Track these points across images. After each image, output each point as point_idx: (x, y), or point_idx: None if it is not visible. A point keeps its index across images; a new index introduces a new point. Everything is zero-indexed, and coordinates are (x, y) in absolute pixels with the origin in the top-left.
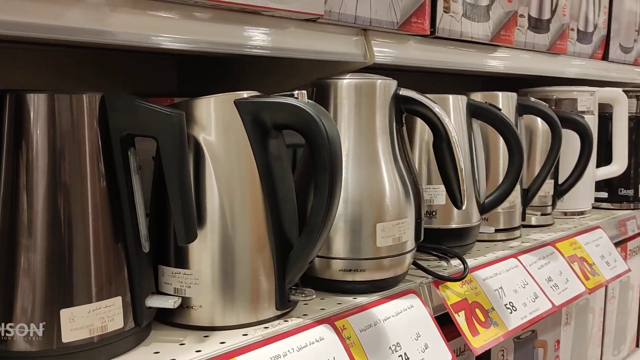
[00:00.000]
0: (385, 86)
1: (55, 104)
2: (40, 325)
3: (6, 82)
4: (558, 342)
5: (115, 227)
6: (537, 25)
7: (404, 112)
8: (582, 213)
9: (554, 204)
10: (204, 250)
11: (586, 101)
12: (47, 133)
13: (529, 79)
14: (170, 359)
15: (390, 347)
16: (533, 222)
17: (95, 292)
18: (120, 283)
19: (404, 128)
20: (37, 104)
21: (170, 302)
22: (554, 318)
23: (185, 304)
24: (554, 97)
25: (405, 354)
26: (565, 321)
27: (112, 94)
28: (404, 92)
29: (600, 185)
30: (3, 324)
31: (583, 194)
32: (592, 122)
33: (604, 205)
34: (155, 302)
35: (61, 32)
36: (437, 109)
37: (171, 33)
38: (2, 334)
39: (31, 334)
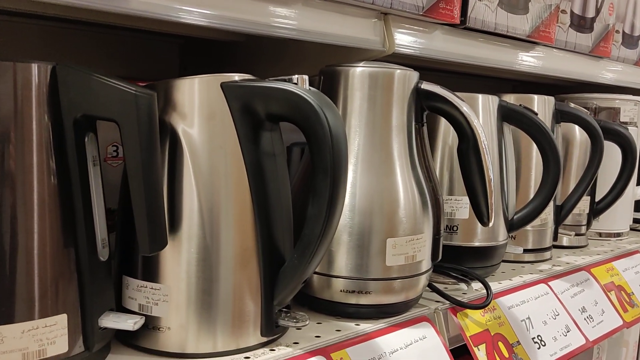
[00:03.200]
0: (405, 77)
1: None
2: None
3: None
4: None
5: (64, 229)
6: (580, 23)
7: (426, 109)
8: (619, 235)
9: (589, 224)
10: (176, 262)
11: (630, 111)
12: None
13: (565, 85)
14: None
15: None
16: (565, 243)
17: (34, 308)
18: (68, 298)
19: (425, 128)
20: None
21: (129, 324)
22: (585, 354)
23: (152, 324)
24: (594, 104)
25: None
26: (597, 356)
27: (65, 65)
28: (426, 86)
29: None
30: None
31: (621, 214)
32: (635, 134)
33: None
34: (110, 322)
35: None
36: (464, 107)
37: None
38: None
39: None
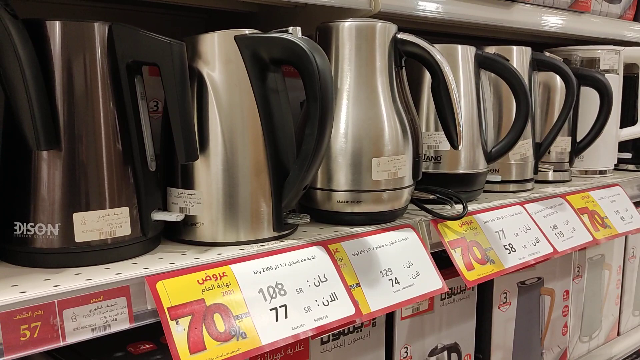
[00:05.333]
0: (385, 29)
1: (69, 30)
2: (56, 225)
3: None
4: (567, 292)
5: (123, 145)
6: None
7: (403, 55)
8: (603, 172)
9: (571, 161)
10: (206, 173)
11: (609, 60)
12: (62, 56)
13: (555, 44)
14: (170, 263)
15: (381, 271)
16: (550, 178)
17: (105, 201)
18: (128, 195)
19: (404, 71)
20: (53, 30)
21: (173, 216)
22: (562, 268)
23: (190, 222)
24: (578, 56)
25: (395, 278)
26: (577, 273)
27: (118, 24)
28: (402, 35)
29: (626, 146)
30: (25, 224)
31: (605, 154)
32: (616, 81)
33: (630, 167)
34: (160, 215)
35: None
36: (433, 50)
37: None
38: (24, 232)
39: (48, 233)
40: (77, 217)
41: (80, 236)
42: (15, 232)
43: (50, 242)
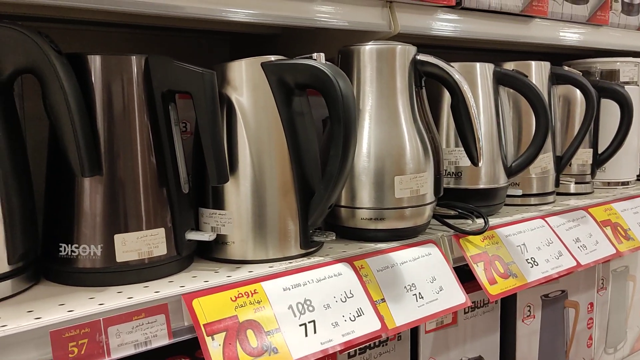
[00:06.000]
0: (405, 51)
1: (108, 63)
2: (99, 246)
3: None
4: (591, 304)
5: (159, 169)
6: None
7: (423, 75)
8: (625, 184)
9: (593, 173)
10: (236, 194)
11: (629, 72)
12: (102, 88)
13: (575, 55)
14: (204, 281)
15: (405, 287)
16: (571, 190)
17: (142, 222)
18: (164, 217)
19: (424, 91)
20: (94, 64)
21: (206, 236)
22: (586, 281)
23: (221, 240)
24: (597, 68)
25: (419, 293)
26: (601, 285)
27: (154, 56)
28: (421, 56)
29: None
30: (69, 245)
31: (626, 165)
32: (636, 93)
33: None
34: (193, 235)
35: (137, 5)
36: (451, 70)
37: (233, 7)
38: (69, 253)
39: (91, 254)
40: (118, 238)
41: (120, 256)
42: (60, 253)
43: (93, 262)
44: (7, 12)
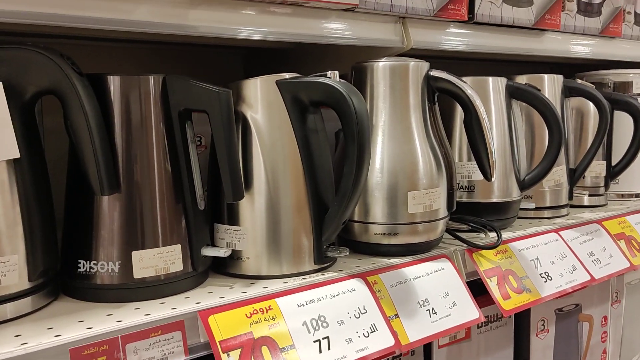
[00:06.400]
0: (418, 67)
1: (127, 83)
2: (117, 263)
3: None
4: (605, 318)
5: (176, 186)
6: (587, 9)
7: (436, 91)
8: (639, 196)
9: (606, 186)
10: (251, 210)
11: None
12: (121, 107)
13: (587, 65)
14: (219, 297)
15: (418, 302)
16: (585, 203)
17: (159, 239)
18: (180, 234)
19: (437, 106)
20: (113, 84)
21: (221, 252)
22: (600, 294)
23: (236, 256)
24: (610, 80)
25: (432, 309)
26: (615, 299)
27: (171, 75)
28: (434, 72)
29: None
30: (88, 262)
31: None
32: None
33: None
34: (209, 251)
35: (156, 27)
36: (464, 86)
37: (245, 26)
38: (87, 270)
39: (109, 270)
40: (135, 255)
41: (138, 272)
42: (79, 269)
43: (111, 278)
44: (29, 30)
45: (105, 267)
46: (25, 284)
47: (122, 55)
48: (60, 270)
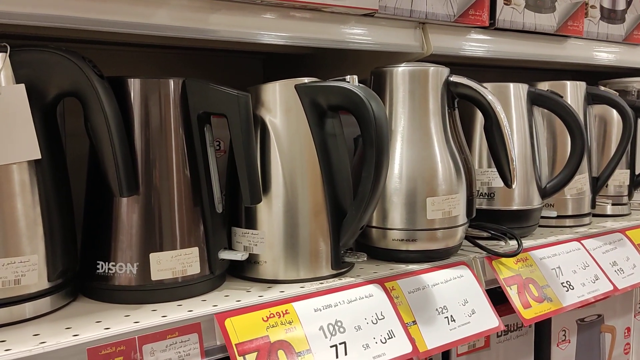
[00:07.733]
0: (438, 73)
1: (147, 86)
2: (135, 265)
3: None
4: (628, 329)
5: (194, 189)
6: (611, 15)
7: (456, 96)
8: None
9: (630, 194)
10: (269, 214)
11: None
12: (141, 109)
13: (610, 72)
14: (236, 300)
15: (437, 309)
16: (608, 212)
17: (177, 242)
18: (198, 236)
19: (456, 112)
20: (134, 87)
21: (238, 255)
22: (623, 304)
23: (253, 260)
24: (634, 88)
25: (451, 316)
26: (638, 310)
27: (191, 79)
28: (454, 78)
29: None
30: (106, 263)
31: None
32: None
33: None
34: (226, 254)
35: (178, 31)
36: (484, 92)
37: (265, 30)
38: (106, 271)
39: (128, 272)
40: (153, 257)
41: (155, 275)
42: (97, 271)
43: (129, 280)
44: (51, 35)
45: (123, 269)
46: (45, 284)
47: (143, 60)
48: (79, 271)
